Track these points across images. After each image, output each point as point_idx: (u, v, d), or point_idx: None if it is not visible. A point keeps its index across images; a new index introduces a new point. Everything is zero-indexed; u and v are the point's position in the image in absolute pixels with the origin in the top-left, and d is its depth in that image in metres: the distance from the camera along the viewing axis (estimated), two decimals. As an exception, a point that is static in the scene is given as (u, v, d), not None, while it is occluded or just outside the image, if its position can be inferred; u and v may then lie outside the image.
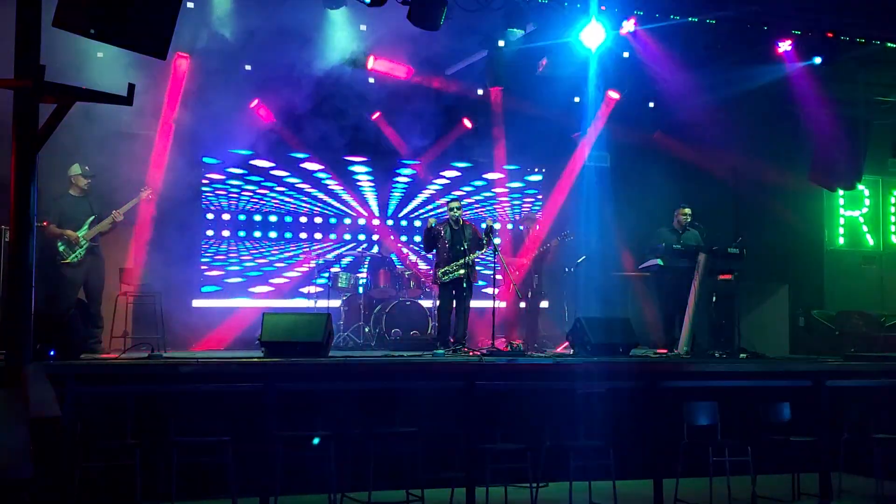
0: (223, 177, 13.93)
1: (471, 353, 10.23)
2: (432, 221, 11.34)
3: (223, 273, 13.85)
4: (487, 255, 11.69)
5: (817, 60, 11.62)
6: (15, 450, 3.59)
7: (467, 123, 14.46)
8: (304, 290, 13.87)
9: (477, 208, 15.30)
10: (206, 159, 13.68)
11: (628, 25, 11.02)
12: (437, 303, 11.62)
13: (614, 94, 13.82)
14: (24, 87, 5.76)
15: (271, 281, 14.17)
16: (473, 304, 11.43)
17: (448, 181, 15.23)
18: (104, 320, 10.42)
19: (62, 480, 4.06)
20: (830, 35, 11.36)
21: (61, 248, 9.87)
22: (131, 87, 5.94)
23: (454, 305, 11.13)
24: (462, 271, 10.84)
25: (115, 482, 7.44)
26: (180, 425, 7.59)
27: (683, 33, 11.74)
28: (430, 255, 12.03)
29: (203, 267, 13.71)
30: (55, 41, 6.33)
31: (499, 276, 11.95)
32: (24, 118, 5.86)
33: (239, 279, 13.98)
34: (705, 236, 11.65)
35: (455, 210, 11.12)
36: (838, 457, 9.00)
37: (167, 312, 11.36)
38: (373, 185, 14.90)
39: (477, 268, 11.17)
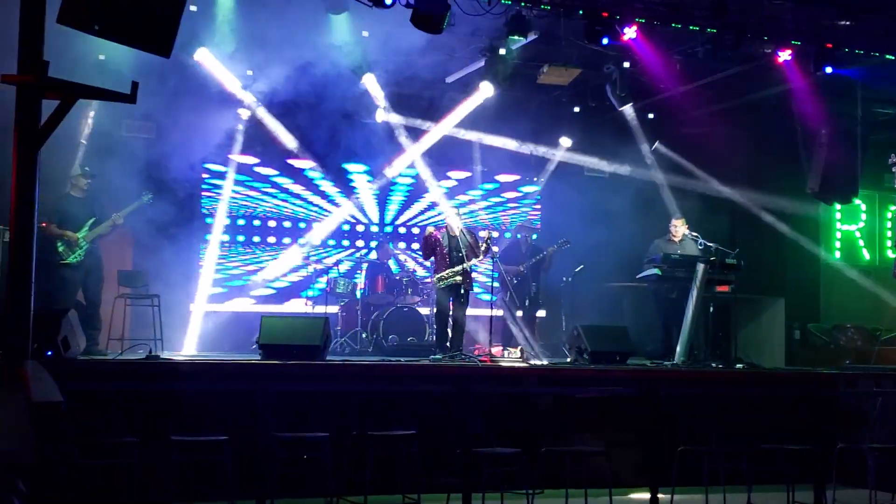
0: (222, 181, 13.94)
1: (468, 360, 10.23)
2: (431, 229, 11.34)
3: (221, 277, 13.84)
4: (486, 263, 11.69)
5: (816, 73, 11.61)
6: (17, 436, 3.60)
7: (474, 136, 14.45)
8: (302, 295, 13.89)
9: (479, 216, 15.33)
10: (205, 164, 13.70)
11: (630, 33, 10.99)
12: (434, 309, 11.62)
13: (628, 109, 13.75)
14: (26, 82, 5.74)
15: (269, 285, 14.16)
16: (471, 311, 11.43)
17: (449, 188, 15.25)
18: (102, 322, 10.41)
19: (64, 466, 4.07)
20: (830, 46, 11.35)
21: (61, 249, 9.84)
22: (135, 84, 5.93)
23: (451, 312, 11.12)
24: (459, 278, 10.84)
25: (113, 481, 7.43)
26: (178, 425, 7.58)
27: (684, 43, 11.76)
28: (428, 263, 11.99)
29: (201, 270, 13.71)
30: (56, 44, 6.31)
31: (496, 284, 12.01)
32: (27, 114, 5.82)
33: (236, 283, 13.97)
34: (702, 247, 11.67)
35: (454, 217, 11.13)
36: (832, 468, 8.99)
37: (165, 315, 11.37)
38: (372, 191, 14.91)
39: (473, 274, 11.17)
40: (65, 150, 9.27)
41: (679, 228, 11.87)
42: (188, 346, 12.19)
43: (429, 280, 13.31)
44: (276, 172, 14.30)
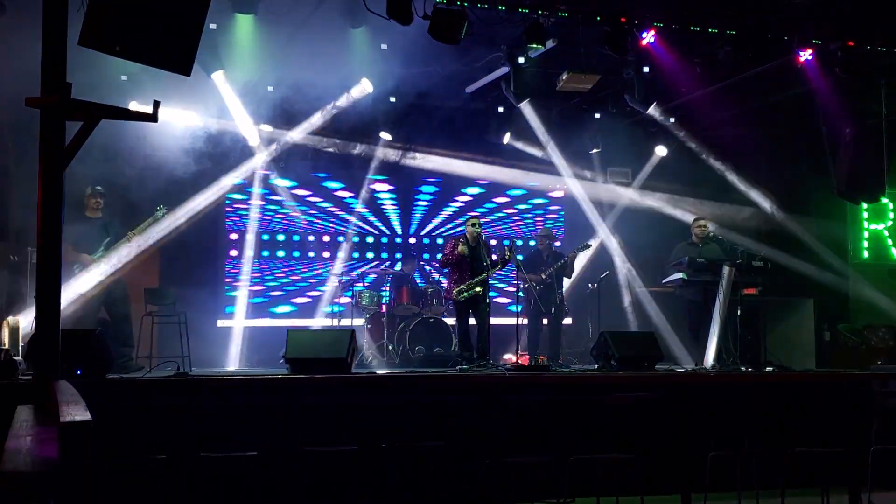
0: (246, 196, 14.00)
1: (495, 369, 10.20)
2: (456, 241, 11.24)
3: (246, 293, 13.88)
4: (508, 270, 11.66)
5: (838, 71, 11.51)
6: (42, 453, 3.62)
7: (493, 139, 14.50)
8: (327, 308, 13.91)
9: (497, 225, 15.32)
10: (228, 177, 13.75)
11: (648, 37, 10.94)
12: (455, 320, 11.56)
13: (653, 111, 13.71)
14: (50, 104, 5.80)
15: (294, 300, 14.21)
16: (497, 321, 11.38)
17: (470, 198, 15.26)
18: (134, 340, 10.46)
19: (93, 484, 4.09)
20: (851, 44, 11.25)
21: (77, 272, 9.85)
22: (156, 103, 5.98)
23: (472, 322, 11.06)
24: (479, 289, 10.80)
25: (142, 499, 7.45)
26: (207, 441, 7.59)
27: (704, 45, 11.70)
28: (445, 270, 11.88)
29: (227, 287, 13.77)
30: (79, 66, 6.36)
31: (521, 293, 11.97)
32: (51, 136, 5.89)
33: (262, 299, 14.02)
34: (727, 248, 11.58)
35: (474, 227, 11.05)
36: (867, 470, 8.88)
37: (192, 332, 11.41)
38: (395, 203, 14.94)
39: (499, 284, 11.14)
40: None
41: (703, 229, 11.76)
42: (215, 362, 12.24)
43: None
44: (296, 185, 14.35)
